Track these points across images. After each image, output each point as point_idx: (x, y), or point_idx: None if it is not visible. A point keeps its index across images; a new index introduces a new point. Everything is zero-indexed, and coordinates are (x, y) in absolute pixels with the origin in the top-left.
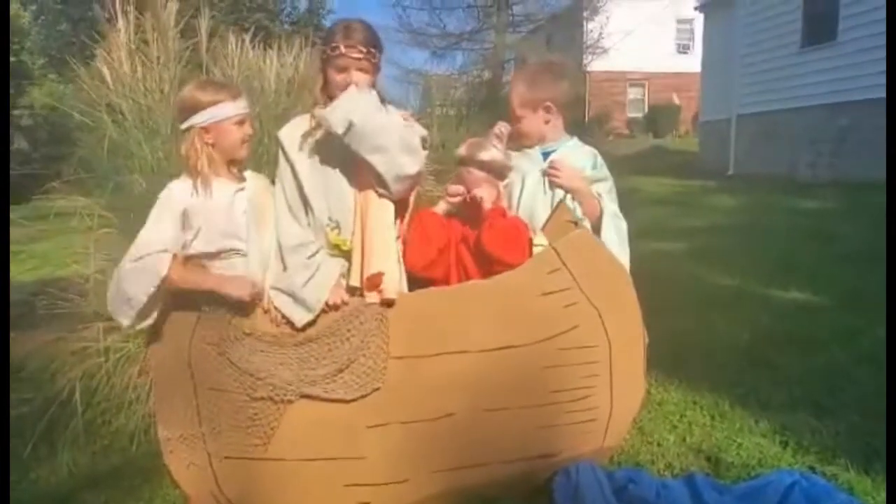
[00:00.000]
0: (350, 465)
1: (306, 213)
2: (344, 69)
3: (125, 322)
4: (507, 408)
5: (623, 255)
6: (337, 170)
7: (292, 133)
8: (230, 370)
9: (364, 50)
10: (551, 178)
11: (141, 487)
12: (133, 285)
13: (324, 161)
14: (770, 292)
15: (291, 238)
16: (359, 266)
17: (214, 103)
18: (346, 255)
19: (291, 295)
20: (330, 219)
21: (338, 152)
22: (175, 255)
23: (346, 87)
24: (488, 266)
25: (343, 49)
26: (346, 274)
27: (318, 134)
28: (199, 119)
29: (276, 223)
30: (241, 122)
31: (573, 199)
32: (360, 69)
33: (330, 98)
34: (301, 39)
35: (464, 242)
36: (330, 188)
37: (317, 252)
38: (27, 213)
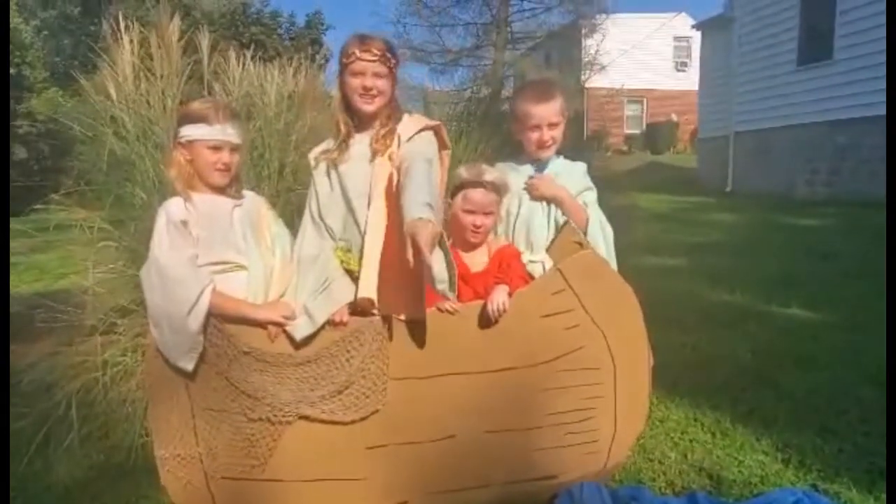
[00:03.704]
0: (349, 487)
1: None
2: (360, 73)
3: (190, 366)
4: (508, 429)
5: (610, 261)
6: (353, 191)
7: (318, 153)
8: (228, 390)
9: (378, 53)
10: (531, 191)
11: (138, 503)
12: (199, 322)
13: (340, 181)
14: (771, 309)
15: (311, 248)
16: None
17: (193, 122)
18: (349, 274)
19: (303, 307)
20: (341, 239)
21: (355, 174)
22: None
23: (361, 90)
24: None
25: (358, 53)
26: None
27: (336, 154)
28: (180, 134)
29: (300, 236)
30: (216, 148)
31: (556, 207)
32: (376, 73)
33: (349, 107)
34: (301, 54)
35: (461, 279)
36: (345, 208)
37: (334, 268)
38: (27, 225)
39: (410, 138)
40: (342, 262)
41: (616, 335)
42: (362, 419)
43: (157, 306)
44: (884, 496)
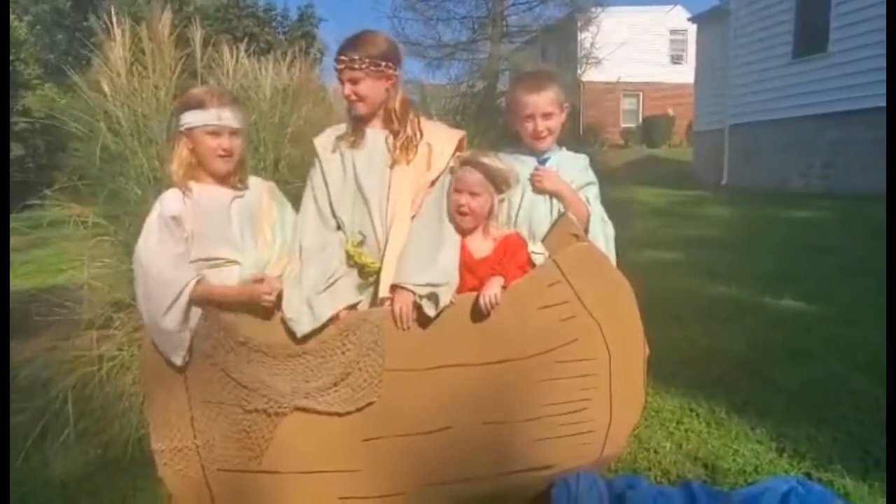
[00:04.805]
0: (345, 478)
1: (336, 224)
2: (348, 80)
3: (179, 362)
4: (503, 421)
5: (610, 258)
6: (368, 184)
7: (327, 142)
8: (224, 381)
9: (347, 59)
10: (535, 183)
11: (135, 497)
12: (176, 322)
13: (355, 172)
14: (766, 302)
15: (316, 238)
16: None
17: (190, 109)
18: (359, 268)
19: (305, 300)
20: (360, 232)
21: (372, 172)
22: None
23: (348, 96)
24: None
25: (345, 61)
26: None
27: (353, 138)
28: (181, 122)
29: (300, 225)
30: (215, 134)
31: (557, 201)
32: (350, 79)
33: (350, 108)
34: (294, 48)
35: (465, 266)
36: (358, 201)
37: (339, 264)
38: (20, 222)
39: (439, 176)
40: (352, 255)
41: (612, 326)
42: (358, 411)
43: (140, 302)
44: (877, 484)
